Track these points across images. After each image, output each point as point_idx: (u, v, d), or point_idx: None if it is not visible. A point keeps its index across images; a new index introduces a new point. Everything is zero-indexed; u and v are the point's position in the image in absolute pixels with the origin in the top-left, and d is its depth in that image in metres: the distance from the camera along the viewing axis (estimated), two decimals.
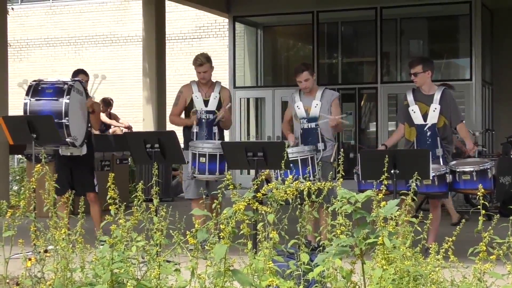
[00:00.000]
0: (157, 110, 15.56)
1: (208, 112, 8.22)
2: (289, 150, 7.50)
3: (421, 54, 17.60)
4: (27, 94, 7.97)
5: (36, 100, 7.93)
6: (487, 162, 7.64)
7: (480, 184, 3.74)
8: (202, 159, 7.78)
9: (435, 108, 7.73)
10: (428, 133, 7.74)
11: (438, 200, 7.90)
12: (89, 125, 8.29)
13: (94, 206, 8.18)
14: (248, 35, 19.06)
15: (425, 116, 7.77)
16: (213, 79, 8.50)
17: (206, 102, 8.26)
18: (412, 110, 7.83)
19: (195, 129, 8.18)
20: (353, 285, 3.40)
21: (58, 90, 7.94)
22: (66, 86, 7.92)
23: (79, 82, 8.21)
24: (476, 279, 3.51)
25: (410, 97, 7.88)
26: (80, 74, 8.62)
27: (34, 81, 8.13)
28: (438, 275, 3.66)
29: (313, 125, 8.03)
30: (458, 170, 7.49)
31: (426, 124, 7.75)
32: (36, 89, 7.99)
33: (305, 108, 8.08)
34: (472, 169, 7.45)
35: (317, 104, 8.06)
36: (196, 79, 8.48)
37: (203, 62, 8.29)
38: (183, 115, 8.47)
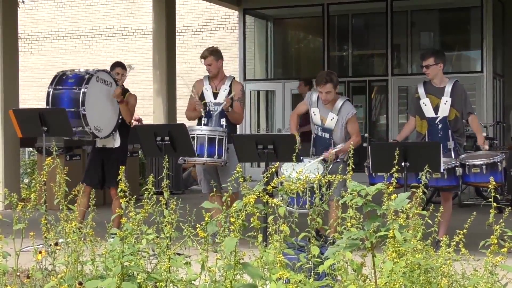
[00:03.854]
0: (167, 102, 15.57)
1: (216, 104, 8.18)
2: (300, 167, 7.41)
3: (432, 46, 17.56)
4: (51, 84, 7.97)
5: (58, 89, 7.93)
6: (498, 155, 7.60)
7: (492, 177, 3.73)
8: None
9: (446, 101, 7.71)
10: (440, 126, 7.72)
11: (449, 192, 7.88)
12: (121, 116, 8.25)
13: (115, 202, 8.11)
14: (258, 27, 19.05)
15: (436, 109, 7.74)
16: (226, 74, 8.48)
17: (215, 95, 8.23)
18: (423, 103, 7.80)
19: (203, 121, 8.19)
20: (364, 278, 3.39)
21: (79, 79, 7.93)
22: (87, 76, 7.90)
23: (105, 72, 8.18)
24: (487, 272, 3.50)
25: (421, 90, 7.86)
26: (116, 67, 8.58)
27: (62, 71, 8.14)
28: (449, 268, 3.66)
29: (327, 135, 7.93)
30: (468, 163, 7.46)
31: (437, 117, 7.73)
32: (60, 78, 8.01)
33: (321, 117, 7.97)
34: (482, 162, 7.43)
35: (333, 118, 7.90)
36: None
37: (205, 55, 8.28)
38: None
